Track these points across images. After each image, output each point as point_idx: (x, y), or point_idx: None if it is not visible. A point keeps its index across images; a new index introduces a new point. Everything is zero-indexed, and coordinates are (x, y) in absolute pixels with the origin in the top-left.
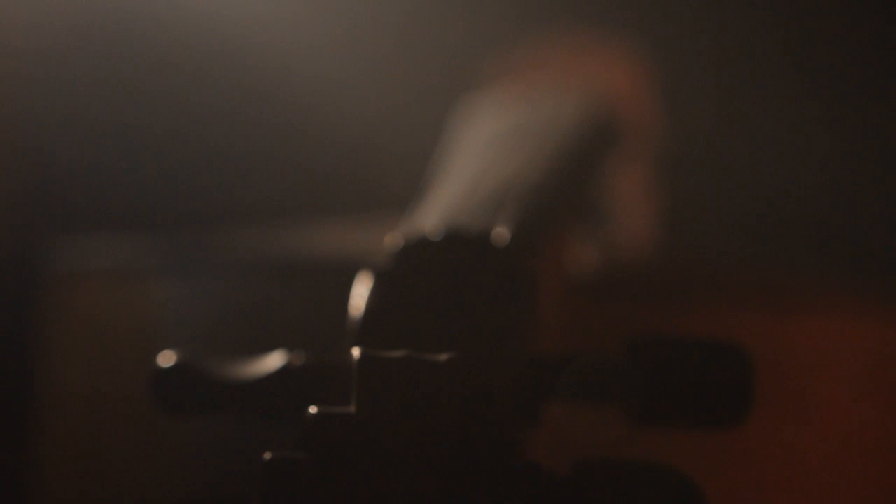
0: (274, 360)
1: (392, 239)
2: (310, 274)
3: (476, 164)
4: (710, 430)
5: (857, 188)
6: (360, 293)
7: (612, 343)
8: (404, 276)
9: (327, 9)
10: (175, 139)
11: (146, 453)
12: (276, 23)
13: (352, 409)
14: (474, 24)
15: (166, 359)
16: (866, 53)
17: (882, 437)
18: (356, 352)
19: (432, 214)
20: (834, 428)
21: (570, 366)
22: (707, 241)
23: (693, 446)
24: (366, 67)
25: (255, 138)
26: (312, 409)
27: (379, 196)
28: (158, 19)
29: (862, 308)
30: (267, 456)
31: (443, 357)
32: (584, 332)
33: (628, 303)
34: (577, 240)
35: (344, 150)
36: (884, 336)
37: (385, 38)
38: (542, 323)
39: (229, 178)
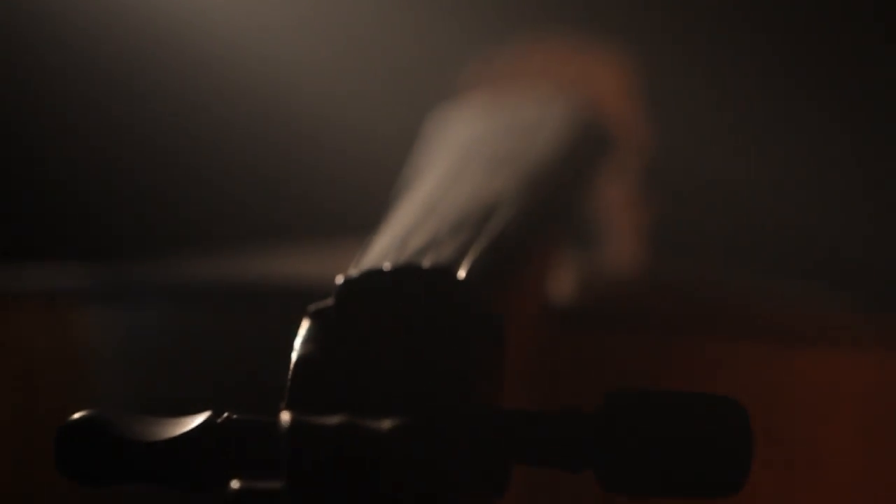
0: (195, 420)
1: (340, 276)
2: (255, 304)
3: (440, 182)
4: (700, 500)
5: (859, 216)
6: (298, 340)
7: (594, 390)
8: (347, 319)
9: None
10: (109, 162)
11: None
12: (229, 49)
13: (280, 484)
14: (454, 32)
15: (73, 418)
16: (870, 71)
17: (885, 474)
18: (286, 416)
19: (384, 245)
20: (834, 466)
21: (541, 424)
22: (700, 267)
23: None
24: (332, 82)
25: (199, 161)
26: (235, 484)
27: (340, 219)
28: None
29: (865, 340)
30: None
31: (388, 423)
32: (562, 377)
33: (613, 337)
34: (556, 266)
35: (294, 171)
36: (888, 369)
37: (359, 51)
38: (512, 371)
39: (168, 203)
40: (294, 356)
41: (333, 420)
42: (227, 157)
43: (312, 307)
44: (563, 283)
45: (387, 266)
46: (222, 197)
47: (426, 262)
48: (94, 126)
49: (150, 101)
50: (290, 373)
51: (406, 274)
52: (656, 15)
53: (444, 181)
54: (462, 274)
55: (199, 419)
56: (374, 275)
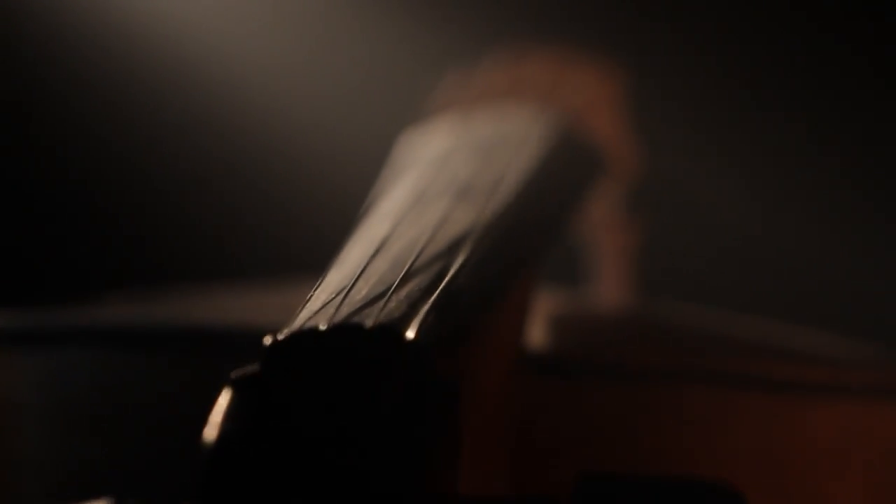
0: None
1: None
2: (190, 354)
3: (397, 213)
4: None
5: (874, 260)
6: (215, 415)
7: (576, 452)
8: (273, 390)
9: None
10: (33, 196)
11: None
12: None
13: None
14: (429, 44)
15: None
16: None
17: None
18: None
19: (323, 296)
20: None
21: None
22: (698, 308)
23: None
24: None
25: (133, 196)
26: None
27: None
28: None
29: (878, 392)
30: None
31: None
32: (539, 434)
33: (599, 388)
34: (531, 309)
35: (243, 201)
36: None
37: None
38: (470, 447)
39: (98, 240)
40: (210, 434)
41: None
42: (163, 192)
43: (234, 374)
44: (539, 327)
45: (322, 326)
46: (159, 234)
47: (369, 321)
48: (22, 162)
49: (82, 130)
50: (206, 455)
51: (344, 336)
52: (646, 26)
53: (402, 211)
54: (411, 334)
55: None
56: (307, 337)
